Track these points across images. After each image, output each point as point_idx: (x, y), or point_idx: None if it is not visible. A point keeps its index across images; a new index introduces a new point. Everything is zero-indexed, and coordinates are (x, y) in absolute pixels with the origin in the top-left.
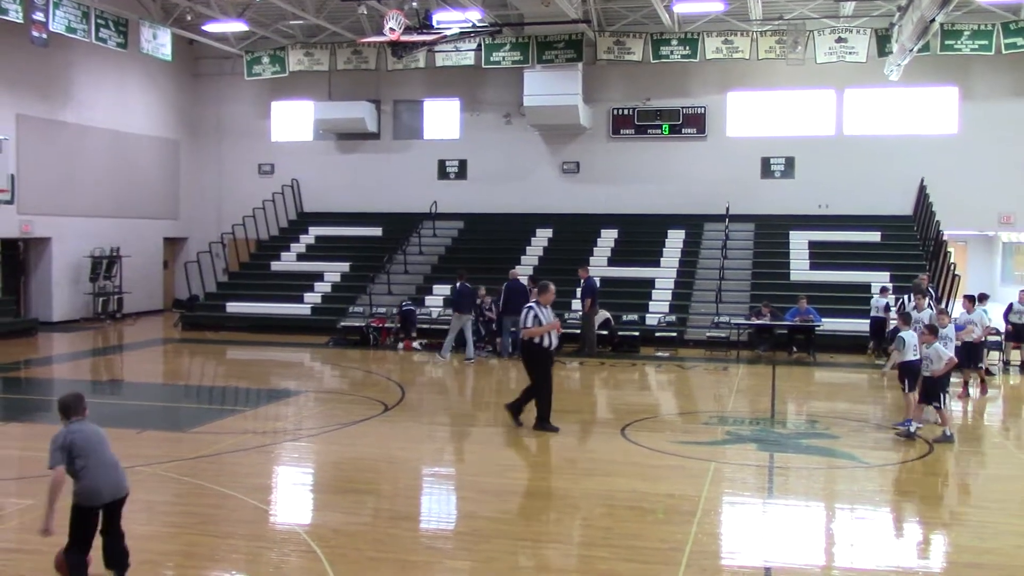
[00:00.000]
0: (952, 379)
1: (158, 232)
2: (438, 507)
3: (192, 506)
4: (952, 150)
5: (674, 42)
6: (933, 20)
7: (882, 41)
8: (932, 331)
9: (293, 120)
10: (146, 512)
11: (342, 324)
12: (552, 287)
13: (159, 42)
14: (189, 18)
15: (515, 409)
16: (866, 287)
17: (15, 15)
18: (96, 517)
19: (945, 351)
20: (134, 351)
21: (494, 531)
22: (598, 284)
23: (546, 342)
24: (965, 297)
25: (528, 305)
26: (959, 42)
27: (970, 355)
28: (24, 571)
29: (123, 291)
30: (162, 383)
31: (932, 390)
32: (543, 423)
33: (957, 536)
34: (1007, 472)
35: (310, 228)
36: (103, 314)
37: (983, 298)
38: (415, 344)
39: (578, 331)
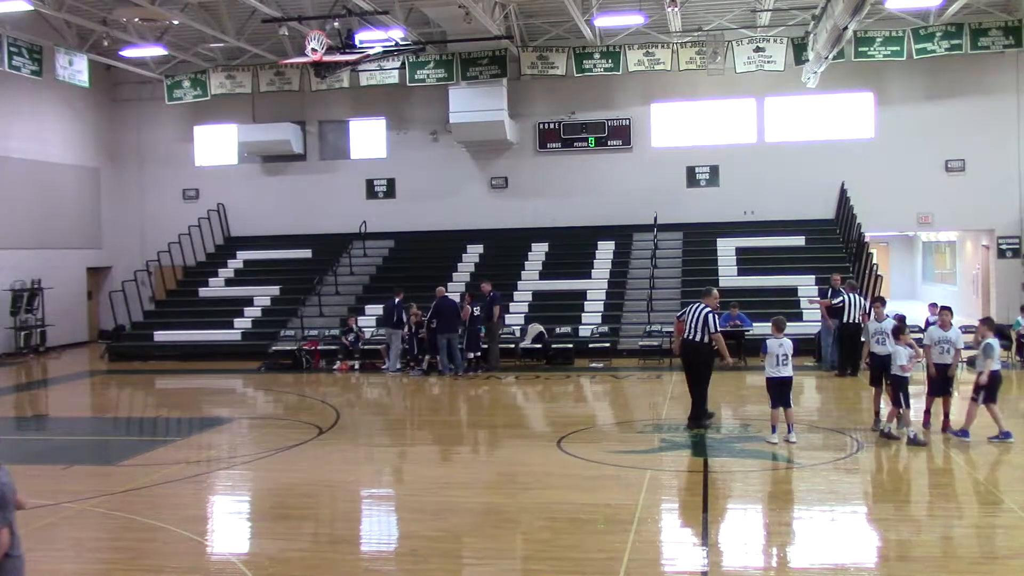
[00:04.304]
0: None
1: (81, 262)
2: (376, 529)
3: (122, 541)
4: (870, 154)
5: (596, 55)
6: (846, 28)
7: (799, 50)
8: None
9: (217, 144)
10: (73, 550)
11: (274, 348)
12: (716, 291)
13: (75, 68)
14: (106, 43)
15: (702, 415)
16: (793, 291)
17: None
18: None
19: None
20: (59, 384)
21: (434, 550)
22: (500, 296)
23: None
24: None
25: (707, 309)
26: (872, 48)
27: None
28: None
29: (46, 324)
30: (89, 416)
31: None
32: (700, 420)
33: (889, 531)
34: (939, 466)
35: (238, 252)
36: (26, 348)
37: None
38: (351, 365)
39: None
